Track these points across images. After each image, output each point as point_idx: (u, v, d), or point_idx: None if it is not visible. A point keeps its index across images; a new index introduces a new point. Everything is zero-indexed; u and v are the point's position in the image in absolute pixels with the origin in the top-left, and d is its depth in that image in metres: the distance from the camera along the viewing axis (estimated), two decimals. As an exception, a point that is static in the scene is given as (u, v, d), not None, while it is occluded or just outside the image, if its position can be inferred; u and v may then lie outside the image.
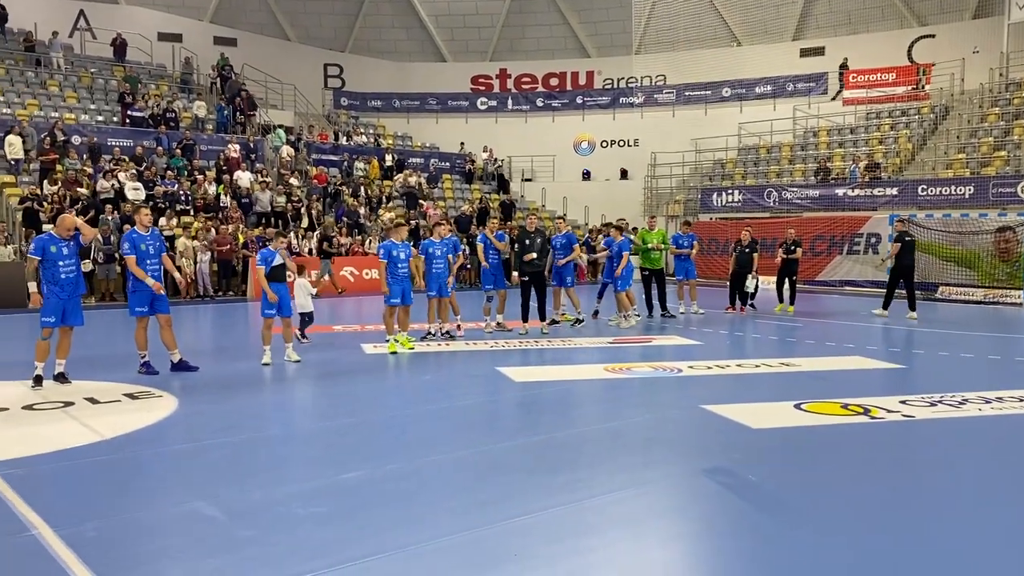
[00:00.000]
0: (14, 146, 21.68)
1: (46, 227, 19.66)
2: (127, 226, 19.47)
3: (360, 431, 7.25)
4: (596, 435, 6.99)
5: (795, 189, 26.38)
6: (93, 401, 8.04)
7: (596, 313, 15.42)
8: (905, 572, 4.21)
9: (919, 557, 4.41)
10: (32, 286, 8.87)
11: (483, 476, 5.79)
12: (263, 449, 6.56)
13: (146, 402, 8.07)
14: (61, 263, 8.90)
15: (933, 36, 29.94)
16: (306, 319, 12.37)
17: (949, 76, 28.42)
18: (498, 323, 13.68)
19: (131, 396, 8.32)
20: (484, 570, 4.24)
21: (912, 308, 16.00)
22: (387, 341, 11.61)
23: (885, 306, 16.35)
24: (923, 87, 29.12)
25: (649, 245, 15.71)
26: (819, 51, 31.92)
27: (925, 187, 23.74)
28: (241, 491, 5.38)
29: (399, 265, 11.64)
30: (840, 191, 25.29)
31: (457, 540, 4.58)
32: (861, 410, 7.83)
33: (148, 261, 9.58)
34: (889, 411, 7.77)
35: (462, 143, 33.14)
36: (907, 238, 16.10)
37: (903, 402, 8.15)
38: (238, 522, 4.83)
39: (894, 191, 24.17)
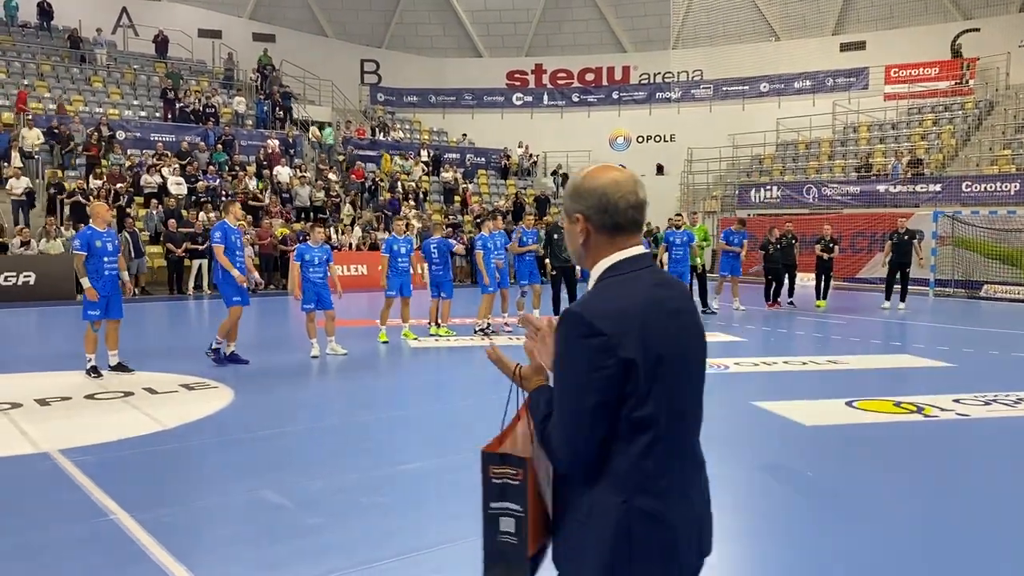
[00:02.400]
0: (27, 139, 21.57)
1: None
2: (172, 220, 19.86)
3: (414, 423, 7.35)
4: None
5: (835, 185, 26.11)
6: (152, 391, 8.22)
7: None
8: (966, 568, 4.20)
9: (980, 553, 4.39)
10: (86, 281, 8.92)
11: (541, 469, 5.83)
12: (321, 439, 6.67)
13: (203, 393, 8.23)
14: (106, 258, 9.05)
15: (978, 30, 29.39)
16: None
17: (994, 70, 27.94)
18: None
19: (187, 387, 8.49)
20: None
21: (903, 299, 16.92)
22: (380, 331, 11.85)
23: (887, 297, 17.14)
24: (967, 82, 28.66)
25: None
26: (860, 45, 31.49)
27: (969, 183, 23.38)
28: (305, 480, 5.48)
29: (399, 259, 11.81)
30: (881, 187, 24.99)
31: (522, 531, 4.63)
32: (914, 408, 7.78)
33: (236, 253, 9.78)
34: (943, 410, 7.70)
35: (463, 134, 33.10)
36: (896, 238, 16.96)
37: (956, 400, 8.07)
38: (305, 510, 4.93)
39: (937, 188, 23.82)
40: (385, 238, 21.92)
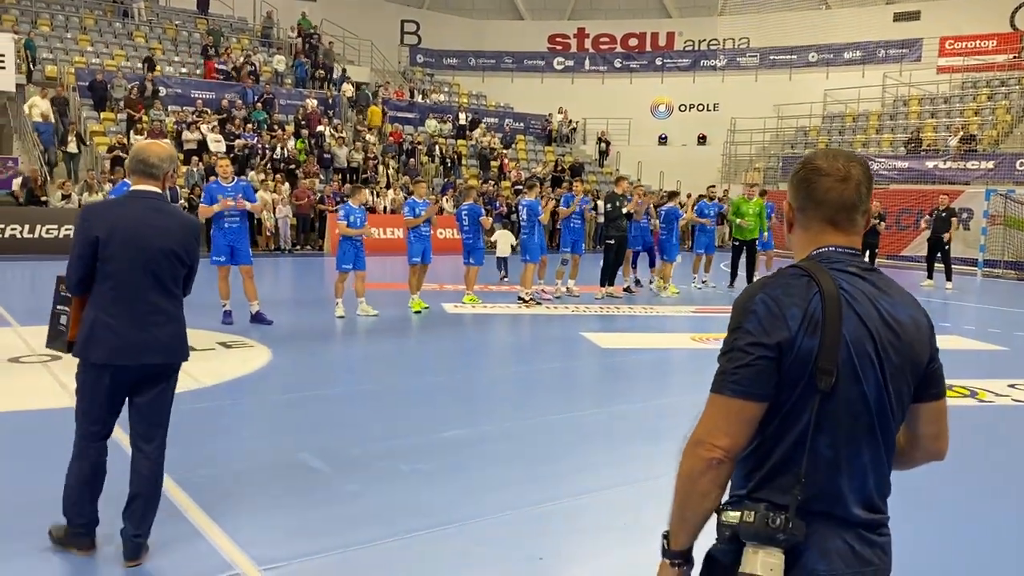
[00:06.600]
0: (37, 108, 20.42)
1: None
2: (212, 177, 19.86)
3: (453, 390, 7.23)
4: (694, 406, 6.84)
5: (882, 160, 25.39)
6: (190, 348, 8.17)
7: (638, 283, 14.61)
8: (1019, 556, 4.01)
9: (1053, 551, 4.18)
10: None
11: (584, 441, 5.71)
12: (359, 403, 6.59)
13: (240, 352, 8.19)
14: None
15: (1039, 1, 28.31)
16: (503, 262, 15.26)
17: (1054, 44, 26.91)
18: (568, 288, 13.51)
19: (225, 345, 8.46)
20: (594, 536, 4.17)
21: (948, 278, 16.74)
22: (413, 299, 11.26)
23: (929, 275, 17.16)
24: (1026, 55, 27.66)
25: (738, 220, 15.07)
26: (914, 15, 30.45)
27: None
28: (343, 444, 5.40)
29: (421, 225, 11.12)
30: (931, 163, 24.26)
31: (564, 505, 4.52)
32: (967, 392, 7.52)
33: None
34: (998, 395, 7.44)
35: (456, 92, 32.75)
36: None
37: (1012, 386, 7.79)
38: (343, 475, 4.85)
39: (990, 165, 23.08)
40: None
